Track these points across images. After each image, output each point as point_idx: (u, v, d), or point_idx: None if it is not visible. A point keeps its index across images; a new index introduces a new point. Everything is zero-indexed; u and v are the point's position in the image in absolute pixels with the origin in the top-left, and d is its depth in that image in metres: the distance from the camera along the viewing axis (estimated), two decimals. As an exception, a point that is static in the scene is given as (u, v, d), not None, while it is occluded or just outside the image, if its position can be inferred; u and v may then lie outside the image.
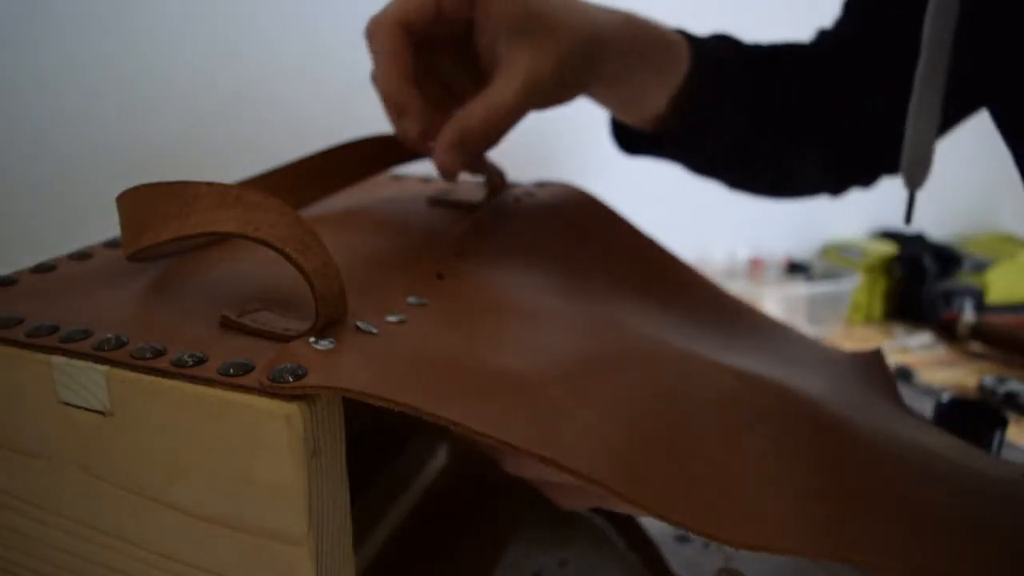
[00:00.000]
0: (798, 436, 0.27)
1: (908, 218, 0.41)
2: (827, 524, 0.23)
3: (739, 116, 0.46)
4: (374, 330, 0.26)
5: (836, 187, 0.52)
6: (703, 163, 0.49)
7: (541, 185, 0.47)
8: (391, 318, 0.27)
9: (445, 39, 0.37)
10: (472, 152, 0.36)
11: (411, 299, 0.30)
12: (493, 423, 0.22)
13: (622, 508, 0.32)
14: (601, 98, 0.43)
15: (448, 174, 0.37)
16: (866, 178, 0.51)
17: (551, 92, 0.36)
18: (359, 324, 0.26)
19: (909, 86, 0.39)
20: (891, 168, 0.49)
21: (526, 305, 0.32)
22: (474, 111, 0.35)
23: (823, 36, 0.49)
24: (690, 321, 0.38)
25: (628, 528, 0.43)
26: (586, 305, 0.34)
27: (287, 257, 0.24)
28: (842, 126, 0.48)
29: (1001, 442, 0.46)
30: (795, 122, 0.47)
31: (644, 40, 0.40)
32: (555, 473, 0.30)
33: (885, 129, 0.45)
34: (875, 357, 0.45)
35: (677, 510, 0.22)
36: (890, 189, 1.20)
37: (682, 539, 0.44)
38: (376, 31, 0.35)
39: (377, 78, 0.35)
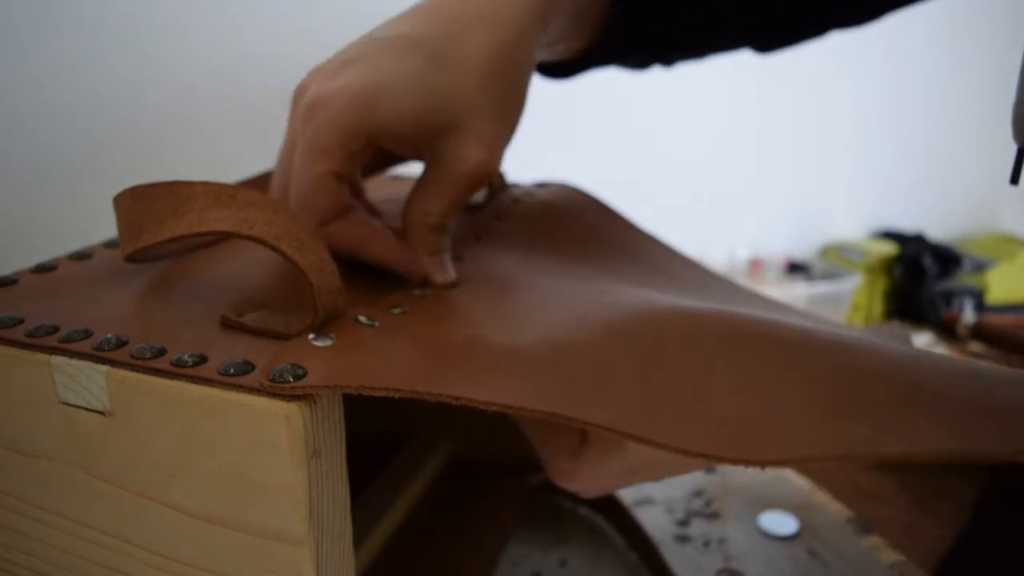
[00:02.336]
0: (814, 350, 0.27)
1: (1015, 178, 0.38)
2: (843, 426, 0.22)
3: (660, 35, 0.43)
4: (375, 323, 0.26)
5: (761, 50, 0.48)
6: (627, 66, 0.46)
7: (541, 185, 0.47)
8: (393, 311, 0.27)
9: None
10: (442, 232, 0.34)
11: (415, 291, 0.30)
12: (496, 392, 0.22)
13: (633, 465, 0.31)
14: None
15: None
16: (792, 42, 0.48)
17: (501, 157, 0.33)
18: (360, 318, 0.26)
19: None
20: (820, 29, 0.46)
21: (526, 294, 0.32)
22: (423, 234, 0.32)
23: None
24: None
25: (627, 527, 0.43)
26: (585, 292, 0.34)
27: (282, 254, 0.24)
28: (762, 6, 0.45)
29: (1001, 442, 0.45)
30: (717, 19, 0.44)
31: (563, 17, 0.36)
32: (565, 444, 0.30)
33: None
34: (894, 328, 0.45)
35: (694, 442, 0.21)
36: (890, 189, 1.20)
37: (682, 539, 0.44)
38: (375, 248, 0.32)
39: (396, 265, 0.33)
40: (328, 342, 0.23)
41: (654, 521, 0.45)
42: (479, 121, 0.31)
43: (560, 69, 0.45)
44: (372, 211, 0.38)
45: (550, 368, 0.24)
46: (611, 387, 0.23)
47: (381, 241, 0.32)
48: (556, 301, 0.30)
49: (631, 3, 0.41)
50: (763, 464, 0.21)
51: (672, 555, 0.41)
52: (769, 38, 0.47)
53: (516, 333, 0.26)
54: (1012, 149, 0.38)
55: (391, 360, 0.23)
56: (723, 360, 0.26)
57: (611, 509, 0.45)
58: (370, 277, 0.31)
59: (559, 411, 0.21)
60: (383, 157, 0.44)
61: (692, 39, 0.45)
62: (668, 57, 0.47)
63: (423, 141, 0.31)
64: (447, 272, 0.32)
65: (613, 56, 0.44)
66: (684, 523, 0.46)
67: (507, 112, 0.32)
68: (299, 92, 0.32)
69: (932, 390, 0.25)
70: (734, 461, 0.21)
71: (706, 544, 0.44)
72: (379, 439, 0.43)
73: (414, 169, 0.51)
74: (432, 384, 0.21)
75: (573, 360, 0.24)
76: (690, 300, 0.37)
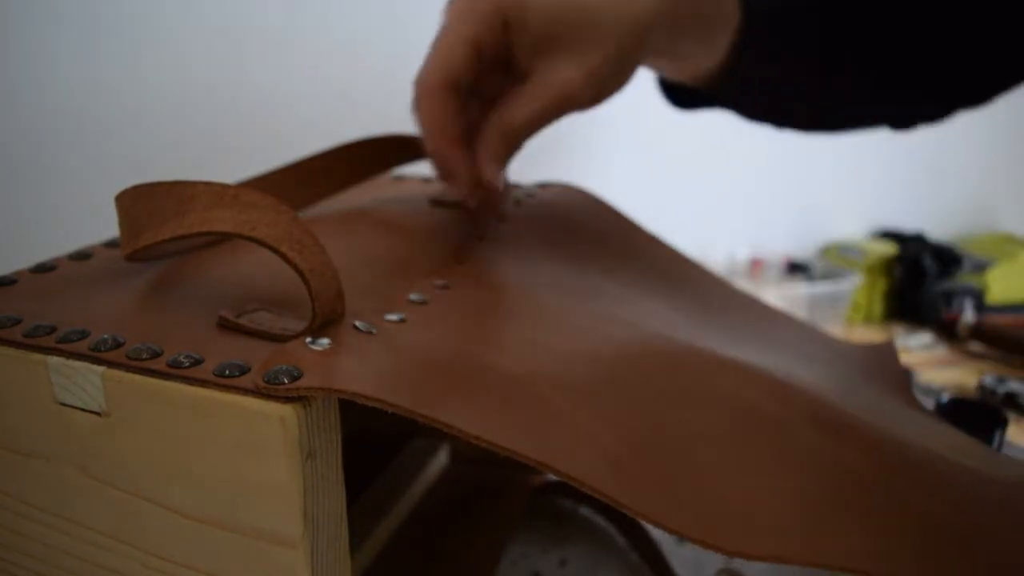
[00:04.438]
0: (800, 439, 0.27)
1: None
2: (827, 532, 0.23)
3: (801, 67, 0.42)
4: (373, 330, 0.26)
5: (904, 125, 0.48)
6: (759, 113, 0.46)
7: (543, 186, 0.47)
8: (391, 317, 0.27)
9: (488, 67, 0.36)
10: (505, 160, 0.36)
11: (412, 296, 0.30)
12: (488, 427, 0.22)
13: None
14: (646, 67, 0.42)
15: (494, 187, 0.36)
16: (942, 115, 0.47)
17: (588, 97, 0.35)
18: (357, 324, 0.26)
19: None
20: (975, 99, 0.45)
21: (527, 306, 0.32)
22: (494, 136, 0.35)
23: None
24: (695, 317, 0.38)
25: (629, 528, 0.43)
26: (589, 305, 0.34)
27: (283, 256, 0.24)
28: (920, 59, 0.43)
29: (1001, 442, 0.45)
30: (866, 61, 0.43)
31: (688, 13, 0.37)
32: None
33: (973, 56, 0.42)
34: (886, 349, 0.45)
35: (674, 518, 0.21)
36: (890, 189, 1.20)
37: (683, 539, 0.44)
38: (423, 101, 0.34)
39: (426, 143, 0.35)
40: (326, 346, 0.23)
41: (653, 521, 0.45)
42: (591, 51, 0.34)
43: (687, 99, 0.45)
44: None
45: (545, 410, 0.24)
46: (603, 442, 0.23)
47: (450, 144, 0.34)
48: (557, 324, 0.30)
49: (760, 34, 0.40)
50: (745, 557, 0.21)
51: (672, 555, 0.41)
52: (902, 116, 0.46)
53: (514, 358, 0.26)
54: (1012, 149, 0.39)
55: (387, 371, 0.23)
56: (714, 428, 0.26)
57: (612, 509, 0.44)
58: (370, 281, 0.31)
59: (548, 462, 0.21)
60: (387, 156, 0.44)
61: (821, 90, 0.44)
62: (799, 111, 0.46)
63: (543, 45, 0.34)
64: (497, 178, 0.34)
65: (727, 100, 0.44)
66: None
67: (616, 64, 0.35)
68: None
69: (928, 514, 0.25)
70: (719, 549, 0.21)
71: (705, 545, 0.44)
72: (379, 440, 0.43)
73: (415, 170, 0.51)
74: (425, 405, 0.21)
75: (569, 404, 0.24)
76: (694, 323, 0.37)
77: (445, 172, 0.34)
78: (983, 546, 0.24)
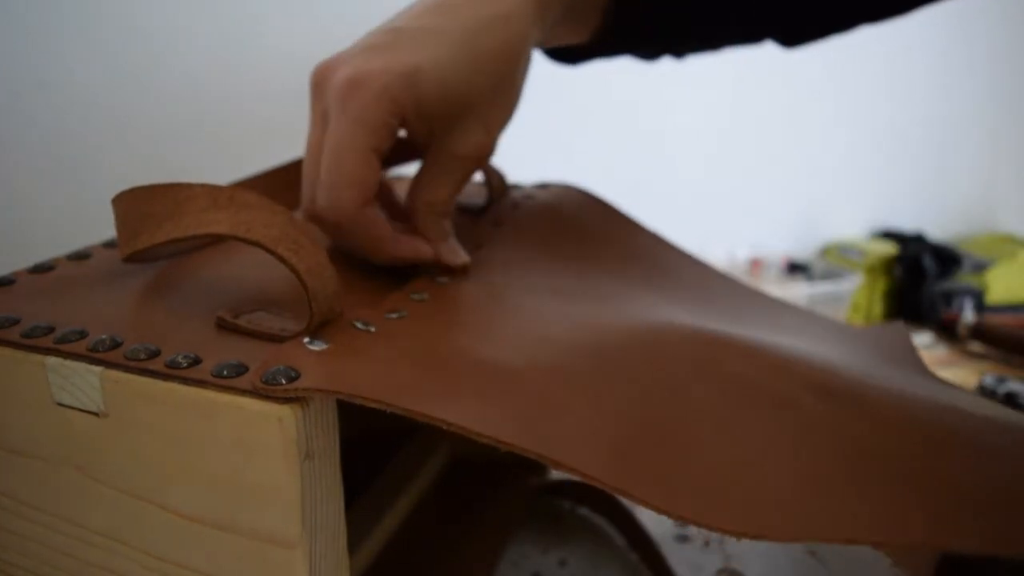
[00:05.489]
0: (801, 411, 0.26)
1: None
2: (835, 506, 0.22)
3: (667, 24, 0.43)
4: (372, 328, 0.26)
5: (791, 42, 0.47)
6: (639, 53, 0.46)
7: (542, 186, 0.47)
8: (391, 316, 0.27)
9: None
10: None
11: (413, 296, 0.30)
12: (488, 422, 0.22)
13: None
14: None
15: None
16: (822, 35, 0.46)
17: (495, 149, 0.35)
18: (356, 323, 0.26)
19: None
20: (860, 18, 0.45)
21: (527, 305, 0.32)
22: (428, 217, 0.34)
23: None
24: (698, 312, 0.38)
25: (628, 527, 0.43)
26: (589, 305, 0.34)
27: (279, 257, 0.24)
28: None
29: (1001, 442, 0.45)
30: (719, 14, 0.43)
31: (556, 17, 0.37)
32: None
33: None
34: (897, 329, 0.44)
35: (675, 502, 0.21)
36: (890, 189, 1.20)
37: (682, 539, 0.44)
38: (357, 230, 0.32)
39: (380, 256, 0.33)
40: (323, 346, 0.23)
41: (654, 521, 0.45)
42: (486, 107, 0.33)
43: (566, 55, 0.45)
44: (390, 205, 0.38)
45: (543, 402, 0.24)
46: (602, 431, 0.23)
47: (395, 241, 0.33)
48: (556, 318, 0.30)
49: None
50: (752, 538, 0.21)
51: (672, 555, 0.41)
52: (794, 31, 0.46)
53: (512, 352, 0.26)
54: (1012, 149, 0.38)
55: (386, 370, 0.23)
56: (714, 408, 0.26)
57: (612, 509, 0.44)
58: (368, 280, 0.31)
59: (549, 455, 0.21)
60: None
61: (694, 34, 0.45)
62: (675, 50, 0.46)
63: (441, 124, 0.33)
64: (460, 254, 0.34)
65: (615, 47, 0.44)
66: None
67: (509, 102, 0.35)
68: (321, 78, 0.33)
69: (942, 477, 0.24)
70: (719, 530, 0.21)
71: (706, 544, 0.44)
72: (379, 440, 0.43)
73: (414, 170, 0.51)
74: (424, 404, 0.21)
75: (567, 395, 0.24)
76: (696, 313, 0.37)
77: (418, 260, 0.33)
78: (1005, 506, 0.23)
